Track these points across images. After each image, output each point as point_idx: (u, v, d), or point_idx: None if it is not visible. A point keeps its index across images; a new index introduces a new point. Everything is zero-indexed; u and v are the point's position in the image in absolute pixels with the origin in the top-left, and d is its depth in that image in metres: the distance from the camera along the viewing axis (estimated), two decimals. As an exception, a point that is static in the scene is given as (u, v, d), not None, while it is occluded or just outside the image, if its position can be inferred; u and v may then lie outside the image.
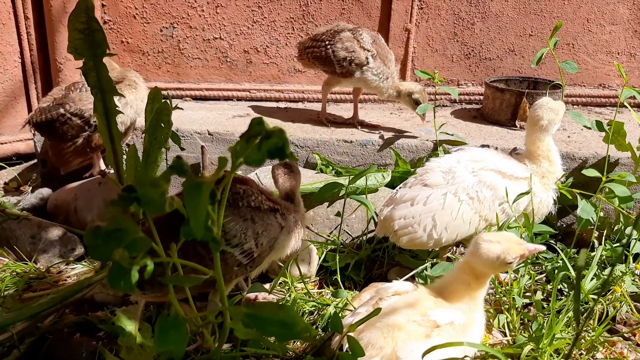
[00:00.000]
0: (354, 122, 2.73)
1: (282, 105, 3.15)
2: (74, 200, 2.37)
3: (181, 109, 2.18)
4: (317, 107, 3.11)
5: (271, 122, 2.70)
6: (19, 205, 2.58)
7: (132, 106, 2.45)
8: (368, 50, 2.54)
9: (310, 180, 2.32)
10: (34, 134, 2.90)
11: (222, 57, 3.14)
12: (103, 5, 3.05)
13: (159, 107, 1.94)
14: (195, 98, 3.19)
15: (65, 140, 2.42)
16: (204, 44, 3.12)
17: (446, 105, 3.12)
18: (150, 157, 1.98)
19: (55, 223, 2.28)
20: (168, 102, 1.94)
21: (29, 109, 3.13)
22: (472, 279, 1.45)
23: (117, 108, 1.93)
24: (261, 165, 1.09)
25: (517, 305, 1.70)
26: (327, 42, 2.57)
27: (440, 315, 1.34)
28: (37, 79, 3.08)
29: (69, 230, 2.26)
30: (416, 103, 2.51)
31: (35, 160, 3.15)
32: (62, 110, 2.36)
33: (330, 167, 2.48)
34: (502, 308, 1.74)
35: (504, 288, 1.79)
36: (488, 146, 2.37)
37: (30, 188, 2.75)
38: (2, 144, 3.09)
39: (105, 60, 2.11)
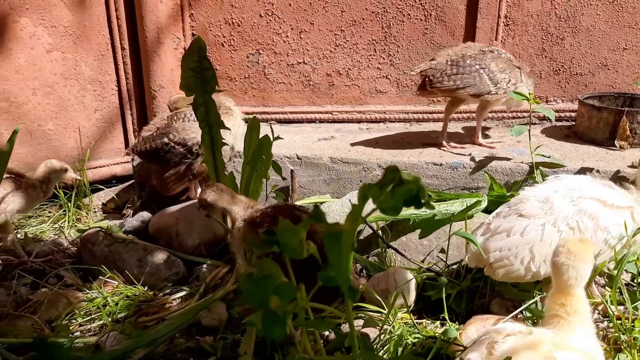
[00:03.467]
0: (440, 142, 2.70)
1: (363, 126, 3.17)
2: (175, 224, 2.49)
3: (282, 138, 2.24)
4: (398, 127, 3.11)
5: (356, 146, 2.74)
6: (122, 227, 2.74)
7: (231, 132, 2.55)
8: (519, 68, 2.53)
9: (401, 205, 2.31)
10: (132, 159, 3.08)
11: (306, 80, 3.21)
12: (193, 35, 3.21)
13: (260, 140, 2.01)
14: (280, 121, 3.27)
15: (169, 167, 2.56)
16: (288, 69, 3.20)
17: (535, 123, 3.02)
18: (251, 187, 2.06)
19: (159, 247, 2.40)
20: (269, 135, 2.01)
21: (125, 135, 3.34)
22: (562, 295, 1.40)
23: (222, 140, 2.02)
24: (398, 214, 1.09)
25: (638, 346, 1.62)
26: (477, 66, 2.47)
27: (565, 358, 1.30)
28: (132, 106, 3.27)
29: (173, 253, 2.37)
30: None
31: (131, 182, 3.35)
32: (166, 140, 2.50)
33: (420, 191, 2.46)
34: (622, 347, 1.66)
35: (620, 323, 1.71)
36: (590, 170, 2.28)
37: (132, 211, 2.91)
38: (100, 167, 3.29)
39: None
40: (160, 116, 2.67)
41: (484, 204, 2.21)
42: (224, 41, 3.20)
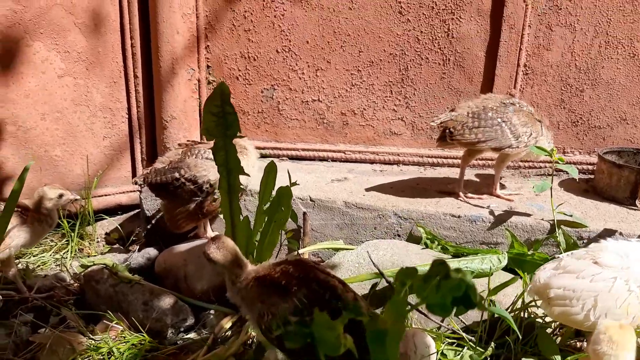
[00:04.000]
0: (456, 192, 2.65)
1: (377, 167, 3.12)
2: (183, 265, 2.41)
3: (298, 184, 2.18)
4: (412, 170, 3.07)
5: (371, 190, 2.67)
6: (127, 263, 2.65)
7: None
8: (540, 121, 2.50)
9: (419, 258, 2.25)
10: (140, 191, 3.01)
11: (320, 118, 3.17)
12: (208, 67, 3.17)
13: (280, 191, 1.95)
14: (291, 157, 3.22)
15: (178, 203, 2.49)
16: (303, 106, 3.16)
17: (553, 174, 2.97)
18: (268, 238, 1.99)
19: (166, 290, 2.31)
20: (289, 185, 1.95)
21: (133, 163, 3.27)
22: None
23: (240, 186, 1.96)
24: (448, 314, 1.02)
25: None
26: (499, 119, 2.43)
27: None
28: (142, 134, 3.21)
29: (180, 298, 2.29)
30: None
31: (136, 212, 3.27)
32: (177, 175, 2.43)
33: (436, 242, 2.41)
34: None
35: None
36: (613, 232, 2.23)
37: (137, 247, 2.83)
38: (106, 195, 3.22)
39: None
40: (175, 150, 2.60)
41: (504, 262, 2.15)
42: (239, 75, 3.16)
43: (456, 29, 2.91)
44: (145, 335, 2.10)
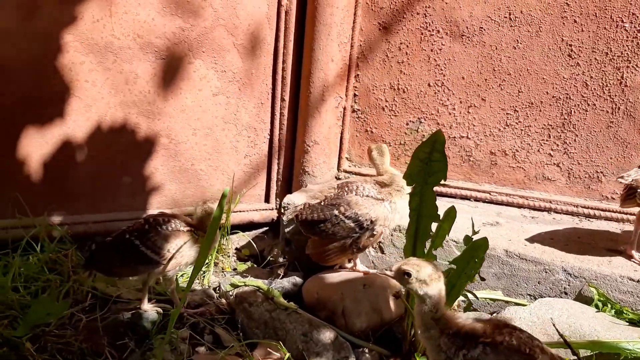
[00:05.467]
0: (628, 252, 2.47)
1: (526, 212, 2.98)
2: (340, 300, 2.36)
3: (477, 232, 2.09)
4: (566, 220, 2.90)
5: (532, 241, 2.53)
6: (272, 286, 2.65)
7: (399, 211, 2.44)
8: None
9: (600, 325, 2.07)
10: (280, 214, 3.02)
11: (465, 155, 3.08)
12: (355, 95, 3.16)
13: (476, 243, 1.88)
14: (430, 193, 3.14)
15: (329, 239, 2.46)
16: (449, 141, 3.08)
17: None
18: (454, 289, 1.91)
19: (325, 323, 2.28)
20: (486, 238, 1.87)
21: (268, 183, 3.30)
22: None
23: (430, 233, 1.90)
24: None
25: None
26: None
27: None
28: (280, 155, 3.24)
29: (340, 334, 2.25)
30: None
31: (264, 229, 3.30)
32: (336, 212, 2.41)
33: (610, 306, 2.24)
34: None
35: None
36: None
37: (282, 272, 2.82)
38: (240, 211, 3.26)
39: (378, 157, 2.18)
40: (327, 184, 2.59)
41: None
42: (385, 105, 3.13)
43: (631, 77, 2.74)
44: (312, 371, 2.07)
